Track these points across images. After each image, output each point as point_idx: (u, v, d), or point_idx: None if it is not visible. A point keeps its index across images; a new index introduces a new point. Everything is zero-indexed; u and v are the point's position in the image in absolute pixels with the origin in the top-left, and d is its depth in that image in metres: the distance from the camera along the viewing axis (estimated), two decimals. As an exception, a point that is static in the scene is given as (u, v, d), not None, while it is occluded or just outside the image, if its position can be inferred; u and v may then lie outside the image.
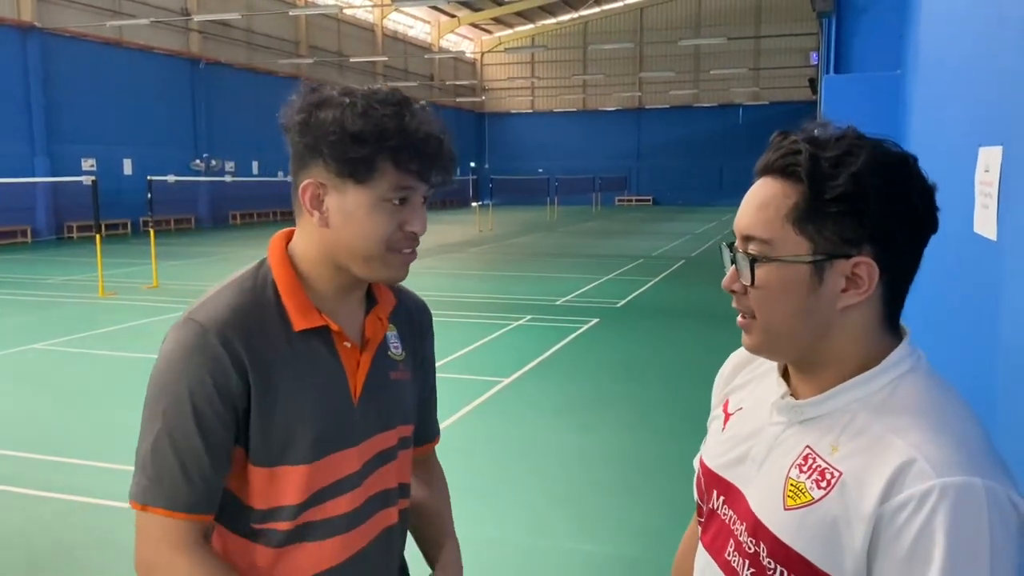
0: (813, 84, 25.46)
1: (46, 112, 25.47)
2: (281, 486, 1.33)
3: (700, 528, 1.26)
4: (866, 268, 1.02)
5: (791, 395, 1.12)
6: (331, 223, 1.31)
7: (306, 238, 1.36)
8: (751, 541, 1.08)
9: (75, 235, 25.76)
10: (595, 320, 10.97)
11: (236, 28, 33.62)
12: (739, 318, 1.11)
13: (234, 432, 1.30)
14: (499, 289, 14.14)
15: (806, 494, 1.02)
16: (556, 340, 9.63)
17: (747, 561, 1.09)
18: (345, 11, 40.70)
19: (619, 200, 51.99)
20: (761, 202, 1.06)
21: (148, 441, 1.28)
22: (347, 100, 1.27)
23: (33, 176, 23.73)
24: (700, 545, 1.24)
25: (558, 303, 12.49)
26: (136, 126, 28.66)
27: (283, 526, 1.34)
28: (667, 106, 52.60)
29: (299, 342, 1.33)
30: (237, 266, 1.44)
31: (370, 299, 1.45)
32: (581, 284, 14.54)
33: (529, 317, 11.18)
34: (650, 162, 52.86)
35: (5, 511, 4.85)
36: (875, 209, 1.00)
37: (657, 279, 15.30)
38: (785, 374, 1.16)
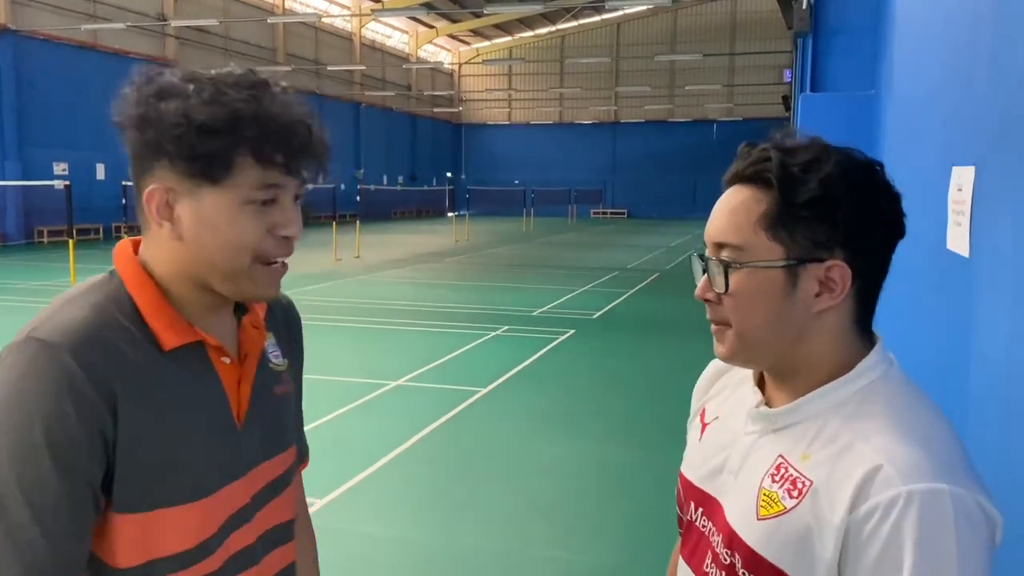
0: (786, 101, 25.80)
1: (17, 115, 25.11)
2: (159, 534, 1.09)
3: (681, 541, 1.24)
4: (839, 272, 1.02)
5: (765, 404, 1.11)
6: (185, 235, 1.10)
7: (157, 252, 1.14)
8: (727, 552, 1.07)
9: (46, 240, 25.39)
10: (571, 331, 11.02)
11: (213, 34, 33.42)
12: (712, 327, 1.10)
13: (104, 471, 1.05)
14: (475, 299, 14.15)
15: (778, 504, 1.01)
16: (533, 351, 9.66)
17: (723, 573, 1.07)
18: (323, 19, 40.61)
19: (594, 212, 52.24)
20: (733, 209, 1.05)
21: None
22: (191, 87, 1.07)
23: (3, 180, 23.38)
24: (680, 558, 1.22)
25: (534, 314, 12.52)
26: (110, 131, 27.78)
27: None
28: (642, 120, 53.05)
29: (170, 362, 1.12)
30: None
31: (238, 305, 1.25)
32: (557, 295, 14.59)
33: (505, 328, 11.21)
34: (625, 175, 53.21)
35: None
36: (846, 213, 1.00)
37: (632, 291, 15.39)
38: (760, 383, 1.15)
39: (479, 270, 19.42)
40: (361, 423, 6.76)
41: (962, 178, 2.01)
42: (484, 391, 7.78)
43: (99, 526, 1.07)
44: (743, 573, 1.04)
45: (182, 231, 1.10)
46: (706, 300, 1.09)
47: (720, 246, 1.06)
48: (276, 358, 1.31)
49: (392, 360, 9.05)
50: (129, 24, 27.28)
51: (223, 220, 1.09)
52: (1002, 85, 1.76)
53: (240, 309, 1.25)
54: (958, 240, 2.04)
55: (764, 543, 1.01)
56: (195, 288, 1.15)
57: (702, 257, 1.09)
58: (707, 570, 1.12)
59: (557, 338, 10.51)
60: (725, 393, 1.23)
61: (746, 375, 1.19)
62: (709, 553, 1.12)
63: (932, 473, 0.91)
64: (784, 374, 1.09)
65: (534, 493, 5.27)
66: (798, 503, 0.99)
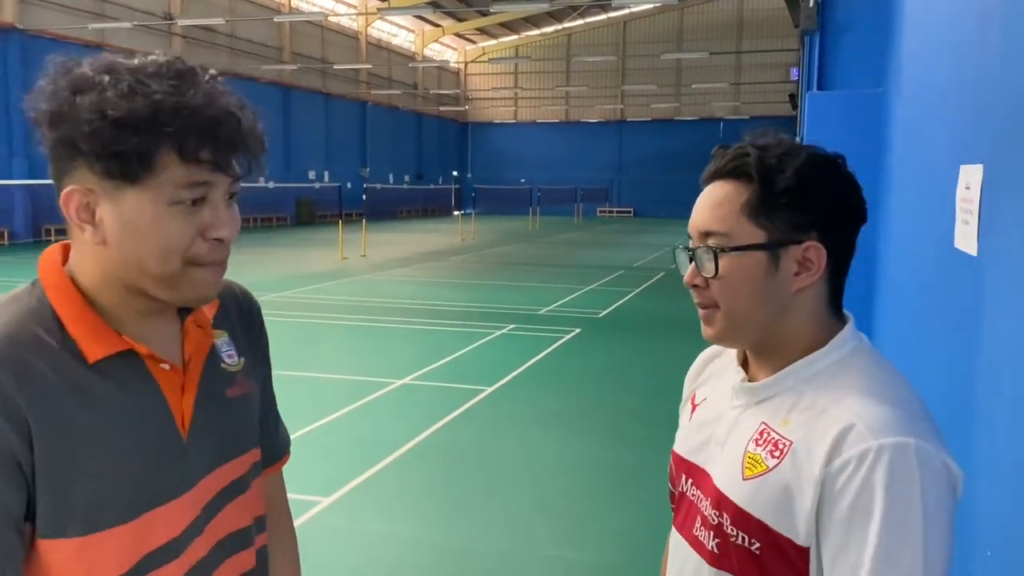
0: (793, 99, 25.73)
1: (25, 114, 25.18)
2: (96, 559, 1.02)
3: (673, 515, 1.33)
4: (815, 252, 1.13)
5: (749, 380, 1.22)
6: (109, 239, 1.02)
7: (83, 257, 1.07)
8: (715, 513, 1.16)
9: (53, 238, 25.51)
10: (577, 330, 11.02)
11: (219, 33, 33.51)
12: (700, 311, 1.20)
13: (25, 500, 0.98)
14: (481, 298, 14.15)
15: (762, 464, 1.11)
16: (539, 350, 9.66)
17: (711, 532, 1.16)
18: (329, 18, 40.66)
19: (600, 211, 52.23)
20: (717, 201, 1.16)
21: None
22: (108, 78, 0.99)
23: (11, 179, 23.48)
24: (673, 528, 1.30)
25: (540, 313, 12.52)
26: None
27: None
28: (649, 119, 52.99)
29: (97, 376, 1.04)
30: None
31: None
32: (563, 294, 14.59)
33: (512, 326, 11.21)
34: (631, 174, 53.18)
35: None
36: (819, 199, 1.12)
37: (638, 290, 15.38)
38: (744, 364, 1.25)
39: (485, 269, 19.43)
40: (367, 421, 6.76)
41: (970, 176, 2.01)
42: (490, 390, 7.78)
43: (34, 556, 1.00)
44: (731, 530, 1.12)
45: (105, 235, 1.02)
46: (694, 286, 1.19)
47: (707, 235, 1.16)
48: (230, 358, 1.22)
49: (398, 358, 9.06)
50: (136, 23, 27.37)
51: (147, 223, 1.01)
52: (1010, 83, 1.75)
53: (184, 309, 1.16)
54: (966, 239, 2.04)
55: (750, 500, 1.10)
56: (126, 294, 1.07)
57: (687, 249, 1.19)
58: (696, 533, 1.20)
59: (563, 337, 10.51)
60: (713, 379, 1.34)
61: (731, 360, 1.29)
62: (698, 517, 1.21)
63: (899, 429, 1.01)
64: (766, 351, 1.19)
65: (540, 492, 5.27)
66: (779, 462, 1.09)
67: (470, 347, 9.78)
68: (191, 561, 1.11)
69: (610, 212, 52.31)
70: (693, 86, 50.23)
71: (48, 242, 25.13)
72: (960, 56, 2.47)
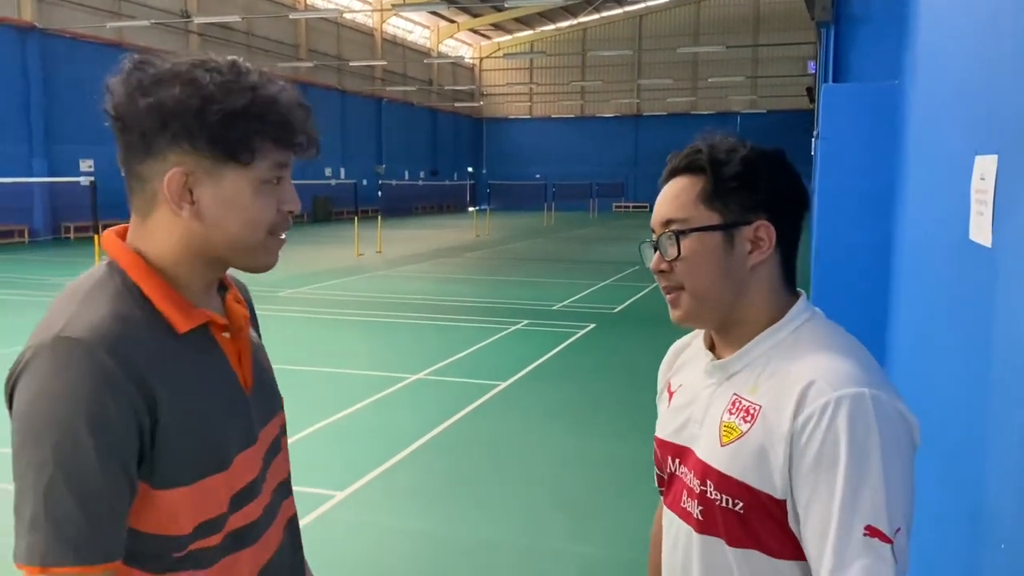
0: (811, 93, 25.57)
1: (45, 113, 25.48)
2: (202, 501, 1.17)
3: (663, 496, 1.43)
4: (765, 230, 1.26)
5: (716, 359, 1.33)
6: (206, 216, 1.16)
7: (165, 236, 1.18)
8: (698, 483, 1.26)
9: (72, 235, 25.75)
10: (592, 325, 11.01)
11: (236, 31, 33.68)
12: (667, 296, 1.32)
13: (138, 460, 1.11)
14: (496, 294, 14.17)
15: (737, 430, 1.22)
16: (553, 345, 9.66)
17: (696, 501, 1.27)
18: (345, 15, 40.78)
19: (616, 206, 52.11)
20: (675, 194, 1.30)
21: (37, 489, 1.04)
22: (199, 73, 1.13)
23: (31, 176, 23.72)
24: (664, 508, 1.41)
25: (555, 308, 12.53)
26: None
27: (213, 541, 1.19)
28: (665, 113, 52.76)
29: (185, 345, 1.18)
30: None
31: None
32: (578, 290, 14.59)
33: (526, 322, 11.21)
34: (647, 169, 52.96)
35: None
36: (764, 183, 1.26)
37: (653, 285, 15.31)
38: (711, 348, 1.36)
39: (500, 264, 19.45)
40: (382, 416, 6.79)
41: (985, 167, 1.99)
42: (504, 385, 7.79)
43: (150, 504, 1.14)
44: (715, 495, 1.22)
45: (202, 212, 1.16)
46: (660, 272, 1.31)
47: (668, 223, 1.29)
48: (253, 330, 1.39)
49: (413, 354, 9.09)
50: (153, 21, 27.55)
51: (246, 199, 1.17)
52: (1025, 72, 1.73)
53: (222, 287, 1.32)
54: (981, 230, 2.02)
55: (729, 464, 1.21)
56: (201, 267, 1.21)
57: (651, 241, 1.33)
58: (684, 505, 1.31)
59: (578, 332, 10.50)
60: (685, 367, 1.45)
61: (699, 348, 1.41)
62: (684, 491, 1.31)
63: (855, 381, 1.12)
64: (730, 328, 1.31)
65: (553, 487, 5.27)
66: (752, 425, 1.20)
67: (485, 342, 9.80)
68: (264, 501, 1.29)
69: (626, 207, 52.18)
70: (710, 80, 49.97)
71: (67, 240, 25.37)
72: (974, 47, 2.45)
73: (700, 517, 1.26)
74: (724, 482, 1.21)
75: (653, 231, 1.33)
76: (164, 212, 1.17)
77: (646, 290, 14.64)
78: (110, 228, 1.25)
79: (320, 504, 4.84)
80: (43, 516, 1.03)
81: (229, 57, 1.18)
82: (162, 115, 1.11)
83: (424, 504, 5.01)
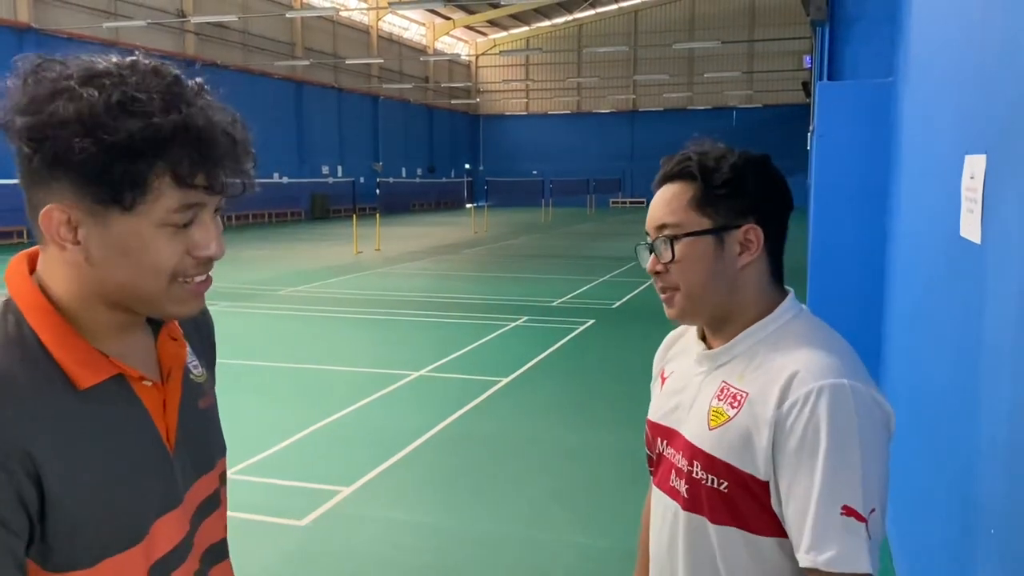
0: (806, 87, 25.58)
1: None
2: None
3: (652, 476, 1.51)
4: (753, 233, 1.34)
5: (708, 349, 1.41)
6: (93, 258, 0.97)
7: (60, 273, 1.00)
8: (686, 463, 1.35)
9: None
10: (591, 321, 11.07)
11: (232, 30, 33.65)
12: (663, 295, 1.40)
13: (27, 538, 0.94)
14: (495, 290, 14.23)
15: (724, 415, 1.30)
16: (553, 341, 9.72)
17: (683, 480, 1.36)
18: (341, 13, 40.74)
19: (613, 202, 52.14)
20: (668, 200, 1.37)
21: None
22: (93, 91, 0.91)
23: (29, 177, 23.71)
24: (653, 486, 1.50)
25: (554, 304, 12.58)
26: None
27: None
28: (661, 109, 52.78)
29: (87, 402, 0.99)
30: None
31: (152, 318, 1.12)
32: (576, 286, 14.64)
33: (526, 318, 11.28)
34: (644, 164, 52.94)
35: None
36: (752, 188, 1.34)
37: (650, 281, 15.36)
38: (703, 338, 1.44)
39: (498, 261, 19.49)
40: (385, 413, 6.85)
41: (974, 166, 2.05)
42: (505, 381, 7.86)
43: None
44: (701, 475, 1.31)
45: (89, 253, 0.97)
46: (656, 273, 1.39)
47: (662, 227, 1.37)
48: (196, 369, 1.20)
49: (414, 351, 9.15)
50: (150, 21, 27.53)
51: (136, 246, 0.96)
52: (1012, 74, 1.80)
53: (155, 321, 1.12)
54: (971, 227, 2.09)
55: (716, 446, 1.30)
56: (106, 310, 1.02)
57: (647, 244, 1.41)
58: (672, 484, 1.39)
59: (577, 328, 10.57)
60: (678, 356, 1.54)
61: (692, 338, 1.49)
62: (672, 471, 1.40)
63: (836, 373, 1.21)
64: (721, 323, 1.39)
65: (555, 480, 5.34)
66: (738, 411, 1.29)
67: (485, 339, 9.86)
68: (192, 567, 1.12)
69: (623, 203, 52.20)
70: (706, 75, 49.97)
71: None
72: (964, 46, 2.51)
73: (686, 495, 1.35)
74: (710, 462, 1.30)
75: (648, 233, 1.40)
76: (55, 251, 0.99)
77: (644, 286, 14.68)
78: (23, 252, 1.05)
79: (327, 499, 4.91)
80: None
81: (157, 64, 0.97)
82: (39, 140, 0.91)
83: (428, 498, 5.08)
